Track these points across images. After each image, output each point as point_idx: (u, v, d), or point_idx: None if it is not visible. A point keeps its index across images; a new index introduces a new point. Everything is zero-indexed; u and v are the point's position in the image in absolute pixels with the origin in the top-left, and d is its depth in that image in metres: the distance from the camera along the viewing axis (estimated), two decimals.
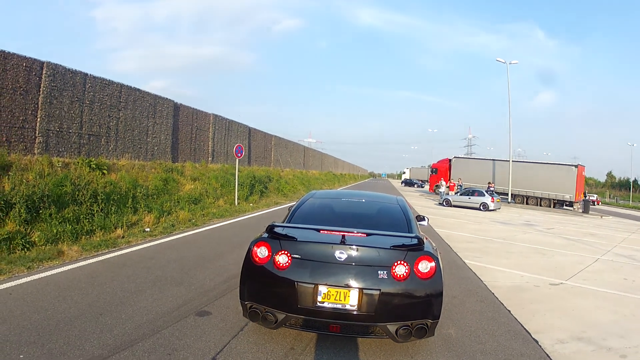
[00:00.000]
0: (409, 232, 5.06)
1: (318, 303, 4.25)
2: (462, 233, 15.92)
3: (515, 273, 9.51)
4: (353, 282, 4.25)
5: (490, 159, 42.56)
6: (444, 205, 30.37)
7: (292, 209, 5.89)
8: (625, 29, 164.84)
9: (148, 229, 11.43)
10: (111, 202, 11.96)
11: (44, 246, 8.61)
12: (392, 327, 4.27)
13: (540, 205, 37.95)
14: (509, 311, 6.60)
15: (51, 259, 7.93)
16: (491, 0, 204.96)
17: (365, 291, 4.22)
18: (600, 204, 67.38)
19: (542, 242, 15.03)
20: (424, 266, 4.37)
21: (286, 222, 5.43)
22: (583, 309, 7.08)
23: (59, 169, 12.41)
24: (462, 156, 51.20)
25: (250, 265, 4.59)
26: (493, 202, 28.56)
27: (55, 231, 9.24)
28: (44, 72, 13.82)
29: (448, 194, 33.25)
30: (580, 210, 36.00)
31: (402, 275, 4.28)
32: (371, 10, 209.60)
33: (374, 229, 4.96)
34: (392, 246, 4.45)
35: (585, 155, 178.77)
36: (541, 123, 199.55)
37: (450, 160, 44.47)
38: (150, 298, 5.98)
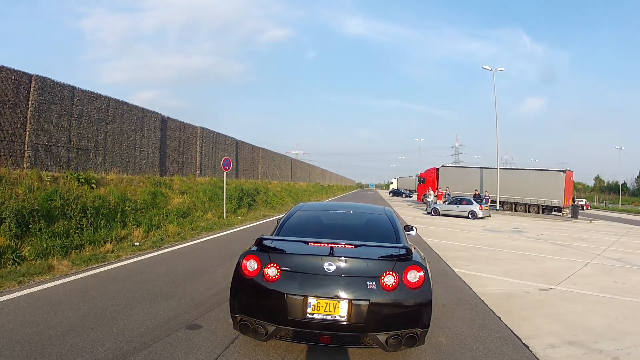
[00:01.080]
0: (397, 243, 5.08)
1: (308, 315, 4.26)
2: (451, 242, 15.96)
3: (505, 280, 9.57)
4: (342, 293, 4.27)
5: (477, 167, 42.89)
6: (432, 215, 30.42)
7: (281, 221, 5.85)
8: (612, 32, 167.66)
9: (137, 243, 11.49)
10: (100, 216, 11.98)
11: (34, 261, 8.66)
12: (382, 337, 4.29)
13: (529, 212, 38.14)
14: (499, 318, 6.64)
15: (42, 273, 7.97)
16: (476, 6, 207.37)
17: (354, 302, 4.24)
18: (589, 208, 67.94)
19: (531, 249, 15.11)
20: (413, 276, 4.41)
21: (275, 235, 5.38)
22: (574, 314, 7.13)
23: (48, 183, 12.43)
24: (450, 165, 51.69)
25: (239, 278, 4.60)
26: (481, 210, 28.71)
27: (45, 246, 9.28)
28: (32, 85, 13.84)
29: (436, 203, 33.32)
30: (569, 216, 36.38)
31: (391, 286, 4.32)
32: (358, 19, 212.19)
33: (362, 240, 4.93)
34: (381, 257, 4.50)
35: (573, 160, 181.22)
36: (529, 129, 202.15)
37: (437, 169, 44.90)
38: (141, 312, 6.02)
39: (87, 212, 11.61)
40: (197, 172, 25.70)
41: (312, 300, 4.29)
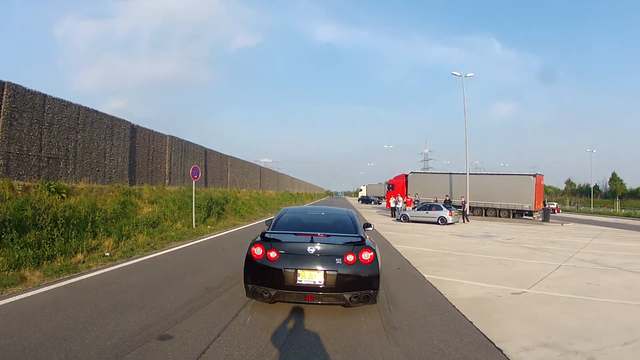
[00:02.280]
0: (355, 234, 7.17)
1: (298, 281, 6.33)
2: (421, 248, 15.95)
3: (476, 285, 9.58)
4: (319, 267, 6.36)
5: (447, 173, 43.01)
6: (401, 221, 30.52)
7: (273, 220, 7.94)
8: (581, 37, 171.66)
9: (108, 254, 11.60)
10: (71, 226, 12.05)
11: (6, 272, 8.75)
12: (347, 296, 6.36)
13: (499, 216, 38.30)
14: (471, 322, 6.67)
15: (14, 284, 8.07)
16: (446, 12, 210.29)
17: (327, 272, 6.32)
18: (560, 211, 69.49)
19: (502, 253, 15.21)
20: (366, 255, 6.50)
21: (270, 230, 7.35)
22: (547, 316, 7.19)
23: (19, 192, 12.44)
24: (419, 171, 51.90)
25: (250, 260, 6.65)
26: (451, 215, 28.81)
27: (17, 256, 9.36)
28: (4, 93, 13.76)
29: (405, 209, 33.59)
30: (541, 219, 36.84)
31: (351, 261, 6.41)
32: (328, 26, 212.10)
33: (332, 231, 7.31)
34: (344, 243, 6.66)
35: (544, 164, 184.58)
36: (499, 134, 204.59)
37: (406, 175, 44.92)
38: (113, 323, 6.12)
39: (58, 222, 11.67)
40: (167, 181, 25.70)
41: (300, 272, 6.33)
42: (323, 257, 6.43)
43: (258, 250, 6.63)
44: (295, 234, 6.96)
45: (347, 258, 6.43)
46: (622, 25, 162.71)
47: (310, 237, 6.63)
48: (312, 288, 6.36)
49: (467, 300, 8.15)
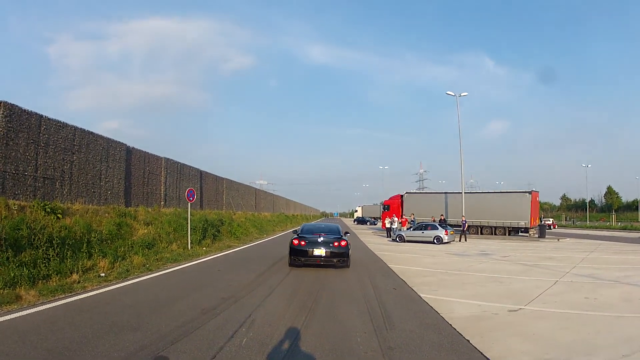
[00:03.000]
0: (339, 235, 14.93)
1: (313, 254, 13.92)
2: (417, 267, 15.94)
3: (473, 303, 9.51)
4: (323, 248, 14.00)
5: (442, 193, 43.08)
6: (397, 241, 30.43)
7: (299, 229, 15.91)
8: (574, 52, 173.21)
9: (103, 274, 11.60)
10: (66, 246, 12.05)
11: (2, 290, 8.74)
12: (335, 260, 14.06)
13: (495, 234, 38.20)
14: (468, 340, 6.61)
15: (9, 303, 8.06)
16: (438, 31, 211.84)
17: (326, 250, 13.96)
18: (556, 227, 69.19)
19: (499, 270, 15.20)
20: (343, 243, 14.23)
21: (299, 233, 14.98)
22: (545, 332, 7.11)
23: (15, 212, 12.40)
24: (414, 191, 52.24)
25: (292, 246, 14.32)
26: (447, 234, 28.71)
27: (12, 275, 9.35)
28: (1, 112, 13.73)
29: (400, 229, 33.50)
30: (537, 236, 36.88)
31: (336, 245, 14.06)
32: (321, 47, 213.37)
33: (328, 233, 15.00)
34: (333, 237, 14.43)
35: (539, 181, 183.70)
36: (494, 151, 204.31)
37: (402, 196, 44.89)
38: (108, 343, 6.08)
39: (54, 242, 11.65)
40: (162, 202, 25.65)
41: (315, 250, 13.93)
42: (324, 244, 14.20)
43: (296, 241, 14.37)
44: (312, 234, 14.89)
45: (334, 244, 14.20)
46: (615, 39, 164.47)
47: (319, 235, 14.64)
48: (320, 257, 14.01)
49: (464, 318, 8.10)
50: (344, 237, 14.63)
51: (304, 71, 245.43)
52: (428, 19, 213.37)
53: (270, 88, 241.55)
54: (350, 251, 14.75)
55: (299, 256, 14.10)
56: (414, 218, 36.63)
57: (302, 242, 14.09)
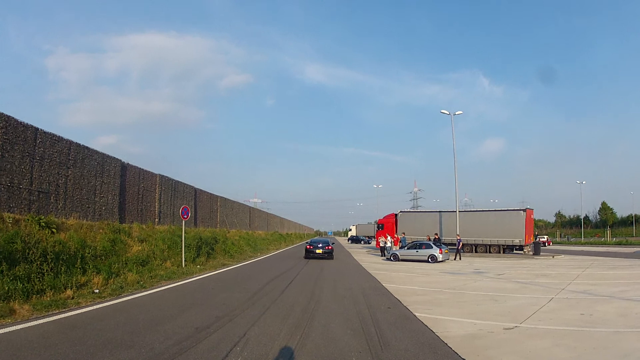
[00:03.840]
0: (328, 243, 32.60)
1: (316, 252, 30.87)
2: (411, 286, 15.80)
3: (468, 322, 9.39)
4: (321, 249, 31.18)
5: (436, 211, 42.95)
6: (391, 260, 30.58)
7: (309, 241, 35.29)
8: (568, 68, 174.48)
9: (97, 291, 11.55)
10: (60, 261, 11.98)
11: None
12: (326, 255, 31.08)
13: (490, 252, 38.07)
14: (464, 359, 6.58)
15: (3, 316, 8.05)
16: (434, 50, 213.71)
17: (322, 250, 31.09)
18: (551, 244, 69.06)
19: (494, 289, 15.04)
20: (329, 248, 31.55)
21: (309, 242, 33.36)
22: (541, 349, 7.05)
23: (9, 225, 12.34)
24: (409, 210, 52.14)
25: (307, 248, 31.89)
26: (441, 253, 28.74)
27: (7, 288, 9.33)
28: None
29: (392, 248, 33.60)
30: (531, 253, 36.86)
31: (328, 248, 31.41)
32: (317, 66, 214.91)
33: (323, 243, 32.59)
34: (325, 244, 31.96)
35: (534, 198, 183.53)
36: (488, 170, 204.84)
37: (396, 215, 44.91)
38: None
39: (48, 256, 11.62)
40: (156, 219, 25.58)
41: (316, 250, 31.07)
42: (321, 247, 31.17)
43: (308, 246, 31.71)
44: (315, 243, 32.37)
45: (326, 247, 31.19)
46: (610, 56, 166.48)
47: (318, 243, 32.16)
48: (318, 253, 30.62)
49: (460, 337, 8.02)
50: (330, 245, 32.13)
51: (300, 89, 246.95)
52: (424, 38, 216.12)
53: (266, 106, 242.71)
54: (333, 251, 32.54)
55: (309, 252, 30.99)
56: (404, 236, 36.58)
57: (311, 247, 31.42)
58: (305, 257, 30.20)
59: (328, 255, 30.53)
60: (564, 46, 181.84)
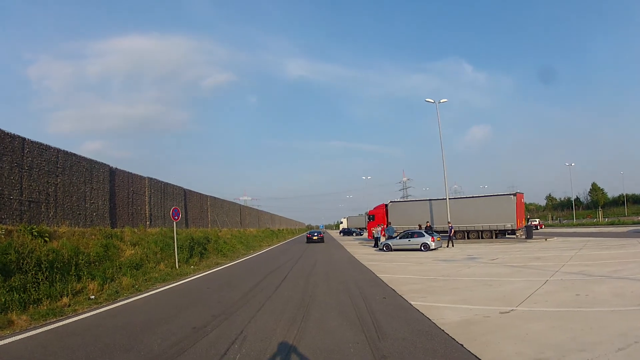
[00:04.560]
0: (321, 233, 56.21)
1: (313, 238, 50.85)
2: (405, 275, 15.78)
3: (463, 307, 9.46)
4: (317, 236, 51.35)
5: (426, 200, 43.17)
6: (384, 250, 30.33)
7: (308, 232, 58.61)
8: (553, 54, 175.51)
9: (93, 297, 11.62)
10: (55, 270, 12.04)
11: None
12: (319, 240, 50.26)
13: (482, 238, 38.30)
14: (462, 345, 6.59)
15: (1, 328, 8.12)
16: (416, 39, 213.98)
17: (318, 237, 51.08)
18: (543, 227, 69.85)
19: (488, 274, 15.05)
20: (322, 235, 53.00)
21: (308, 233, 56.34)
22: (537, 332, 7.08)
23: (2, 236, 12.31)
24: (399, 200, 52.46)
25: (307, 236, 53.02)
26: (434, 241, 28.57)
27: (3, 300, 9.40)
28: None
29: (381, 238, 33.52)
30: (524, 237, 36.97)
31: (320, 236, 51.82)
32: (300, 61, 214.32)
33: (317, 233, 54.06)
34: (319, 233, 53.35)
35: (523, 183, 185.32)
36: (476, 156, 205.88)
37: (386, 205, 44.97)
38: None
39: (42, 266, 11.67)
40: (148, 222, 25.55)
41: (313, 237, 51.30)
42: (316, 235, 52.11)
43: (308, 235, 52.75)
44: (312, 233, 53.77)
45: (319, 236, 51.65)
46: (596, 41, 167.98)
47: (314, 233, 52.97)
48: (315, 239, 50.09)
49: (456, 323, 8.07)
50: (322, 234, 53.64)
51: (284, 86, 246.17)
52: (405, 28, 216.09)
53: (250, 104, 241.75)
54: (324, 238, 53.83)
55: (309, 239, 50.35)
56: (391, 226, 36.19)
57: (310, 235, 51.68)
58: (307, 242, 49.89)
59: (320, 240, 49.98)
60: (548, 30, 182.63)
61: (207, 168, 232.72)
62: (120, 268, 15.37)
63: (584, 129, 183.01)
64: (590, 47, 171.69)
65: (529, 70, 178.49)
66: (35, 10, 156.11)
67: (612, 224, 66.00)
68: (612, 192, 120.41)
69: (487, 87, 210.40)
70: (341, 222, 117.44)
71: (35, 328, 8.42)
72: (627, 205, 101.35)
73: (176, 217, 20.46)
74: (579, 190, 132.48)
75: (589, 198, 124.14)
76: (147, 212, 25.90)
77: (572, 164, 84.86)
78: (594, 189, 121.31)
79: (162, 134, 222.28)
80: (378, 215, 45.02)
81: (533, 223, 55.54)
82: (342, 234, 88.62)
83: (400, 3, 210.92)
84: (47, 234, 14.24)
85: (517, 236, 37.64)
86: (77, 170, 18.73)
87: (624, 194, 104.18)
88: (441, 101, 39.14)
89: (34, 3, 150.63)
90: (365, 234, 61.65)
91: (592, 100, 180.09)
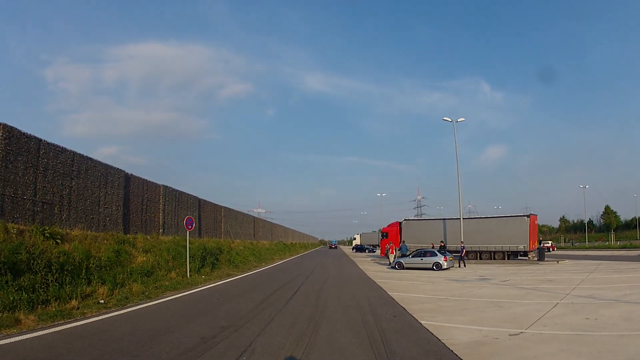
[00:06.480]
0: (335, 244, 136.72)
1: (331, 247, 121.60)
2: (416, 294, 15.68)
3: (473, 328, 9.35)
4: (334, 246, 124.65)
5: (440, 219, 42.50)
6: (396, 268, 30.07)
7: (329, 243, 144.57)
8: (568, 72, 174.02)
9: (102, 301, 11.51)
10: (65, 272, 11.96)
11: (1, 313, 8.68)
12: (334, 249, 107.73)
13: (494, 259, 37.58)
14: None
15: (8, 326, 8.03)
16: (434, 57, 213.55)
17: (333, 247, 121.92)
18: (555, 249, 68.50)
19: (499, 295, 14.94)
20: (335, 246, 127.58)
21: (329, 245, 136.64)
22: (546, 355, 7.01)
23: (14, 235, 12.28)
24: (412, 218, 51.98)
25: (329, 246, 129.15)
26: (446, 261, 28.23)
27: (12, 298, 9.32)
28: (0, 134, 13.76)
29: (391, 257, 33.30)
30: (536, 259, 36.39)
31: (334, 246, 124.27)
32: (318, 75, 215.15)
33: (334, 245, 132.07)
34: (334, 245, 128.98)
35: (537, 204, 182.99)
36: (491, 176, 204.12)
37: (400, 223, 44.36)
38: None
39: (53, 267, 11.60)
40: (161, 230, 25.51)
41: (331, 246, 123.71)
42: (334, 245, 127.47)
43: (329, 245, 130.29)
44: (329, 244, 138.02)
45: (334, 246, 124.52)
46: (611, 59, 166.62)
47: (331, 244, 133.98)
48: (331, 248, 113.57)
49: (465, 344, 7.95)
50: (335, 245, 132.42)
51: (301, 99, 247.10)
52: (424, 45, 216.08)
53: (267, 116, 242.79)
54: (337, 249, 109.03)
55: (330, 247, 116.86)
56: (404, 244, 35.86)
57: (330, 245, 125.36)
58: (329, 248, 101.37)
59: (334, 249, 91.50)
60: (565, 50, 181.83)
61: (222, 178, 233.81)
62: (131, 274, 15.25)
63: (600, 150, 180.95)
64: (601, 64, 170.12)
65: (547, 90, 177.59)
66: (55, 13, 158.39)
67: (624, 247, 65.18)
68: (625, 215, 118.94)
69: (504, 107, 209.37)
70: (354, 239, 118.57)
71: (42, 329, 8.34)
72: (639, 229, 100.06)
73: (190, 227, 20.37)
74: (593, 212, 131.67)
75: (601, 221, 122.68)
76: (160, 219, 25.85)
77: (586, 186, 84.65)
78: (607, 212, 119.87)
79: (178, 142, 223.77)
80: (391, 233, 44.39)
81: (545, 245, 54.69)
82: (354, 251, 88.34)
83: (420, 21, 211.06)
84: (59, 236, 14.20)
85: (529, 258, 37.01)
86: (92, 174, 18.73)
87: (637, 217, 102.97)
88: (458, 120, 39.09)
89: (53, 5, 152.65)
90: (378, 251, 61.15)
91: (608, 121, 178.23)
